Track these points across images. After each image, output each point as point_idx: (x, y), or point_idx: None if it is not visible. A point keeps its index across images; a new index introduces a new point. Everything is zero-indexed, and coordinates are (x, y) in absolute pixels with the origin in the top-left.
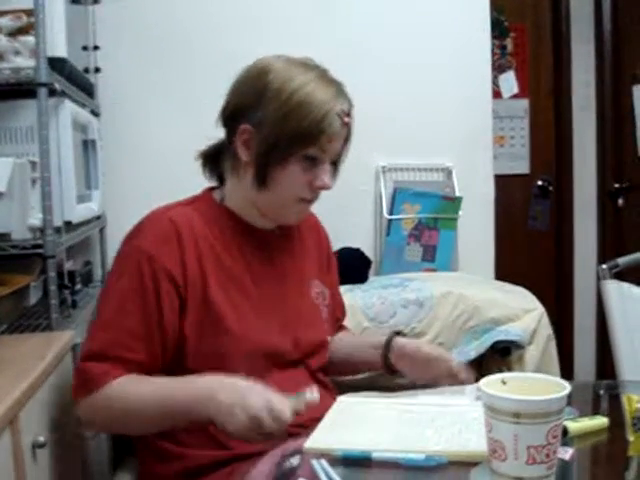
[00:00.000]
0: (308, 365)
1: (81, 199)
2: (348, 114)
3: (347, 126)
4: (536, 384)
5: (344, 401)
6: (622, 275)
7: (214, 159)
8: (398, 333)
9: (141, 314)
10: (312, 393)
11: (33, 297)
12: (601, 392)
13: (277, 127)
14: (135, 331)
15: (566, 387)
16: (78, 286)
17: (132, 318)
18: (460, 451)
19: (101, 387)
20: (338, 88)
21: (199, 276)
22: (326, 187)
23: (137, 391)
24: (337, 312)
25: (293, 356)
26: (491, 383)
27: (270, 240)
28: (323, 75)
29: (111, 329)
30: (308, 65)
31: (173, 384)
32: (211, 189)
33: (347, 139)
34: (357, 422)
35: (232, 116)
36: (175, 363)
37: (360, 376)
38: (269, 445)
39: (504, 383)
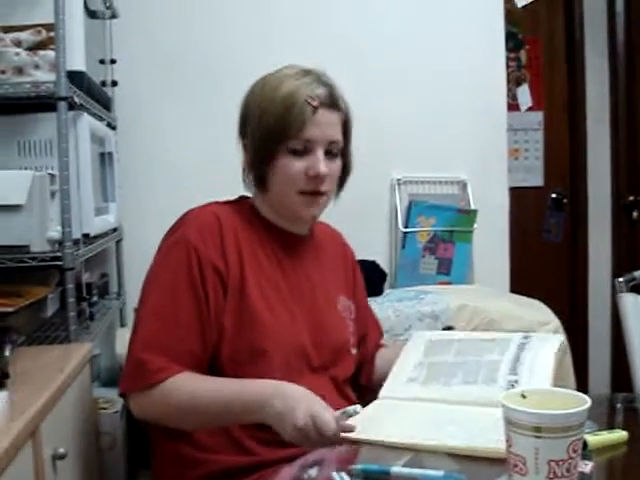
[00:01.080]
0: (333, 375)
1: (98, 211)
2: (322, 99)
3: (317, 109)
4: (556, 398)
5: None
6: (638, 288)
7: None
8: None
9: (193, 304)
10: (355, 410)
11: (50, 309)
12: (618, 405)
13: (256, 130)
14: (188, 321)
15: (587, 401)
16: (95, 298)
17: (184, 309)
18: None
19: (159, 383)
20: (312, 77)
21: (238, 269)
22: (320, 174)
23: (195, 389)
24: (369, 329)
25: (316, 361)
26: (511, 397)
27: (302, 248)
28: (299, 71)
29: (165, 319)
30: (292, 67)
31: (233, 385)
32: (244, 197)
33: (345, 125)
34: (392, 416)
35: (239, 133)
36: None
37: None
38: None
39: (524, 397)
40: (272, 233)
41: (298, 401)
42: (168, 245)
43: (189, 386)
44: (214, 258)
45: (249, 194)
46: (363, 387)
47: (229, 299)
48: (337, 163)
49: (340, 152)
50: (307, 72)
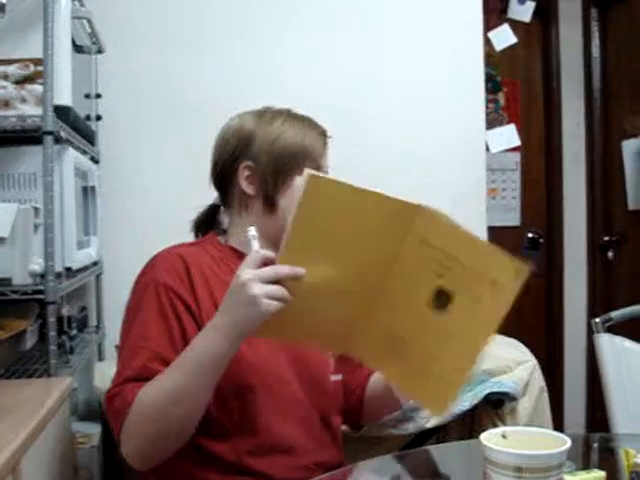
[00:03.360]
0: (318, 403)
1: (80, 245)
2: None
3: (326, 143)
4: (537, 438)
5: None
6: (614, 328)
7: (209, 220)
8: None
9: (166, 335)
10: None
11: (29, 341)
12: (594, 445)
13: (269, 150)
14: (161, 351)
15: (567, 441)
16: (74, 331)
17: (157, 340)
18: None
19: (131, 403)
20: (305, 116)
21: (210, 306)
22: None
23: (156, 384)
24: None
25: (299, 391)
26: (492, 437)
27: None
28: (293, 111)
29: (137, 355)
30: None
31: (178, 357)
32: (213, 235)
33: None
34: None
35: (229, 162)
36: None
37: None
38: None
39: (504, 437)
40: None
41: (227, 293)
42: (137, 290)
43: (149, 388)
44: (185, 296)
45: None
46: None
47: None
48: None
49: None
50: (304, 116)
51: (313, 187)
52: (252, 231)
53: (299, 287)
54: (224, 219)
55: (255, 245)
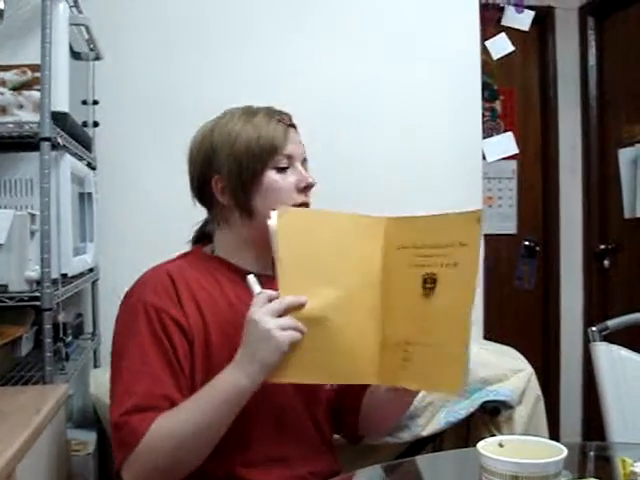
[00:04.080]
0: (313, 413)
1: (77, 251)
2: (287, 120)
3: (291, 126)
4: (533, 447)
5: None
6: (610, 337)
7: (203, 235)
8: None
9: (161, 357)
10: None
11: (25, 348)
12: (591, 453)
13: (232, 157)
14: (162, 376)
15: (563, 450)
16: (70, 338)
17: (153, 362)
18: None
19: (142, 437)
20: (266, 107)
21: (199, 319)
22: (311, 184)
23: (173, 422)
24: None
25: (295, 400)
26: (488, 445)
27: (266, 285)
28: (250, 107)
29: (138, 379)
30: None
31: (199, 391)
32: (200, 246)
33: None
34: None
35: (201, 178)
36: None
37: None
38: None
39: (501, 446)
40: (231, 275)
41: (244, 334)
42: (127, 311)
43: (166, 422)
44: (174, 314)
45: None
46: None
47: (196, 355)
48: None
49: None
50: (266, 107)
51: (284, 222)
52: (252, 278)
53: (310, 317)
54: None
55: (257, 289)
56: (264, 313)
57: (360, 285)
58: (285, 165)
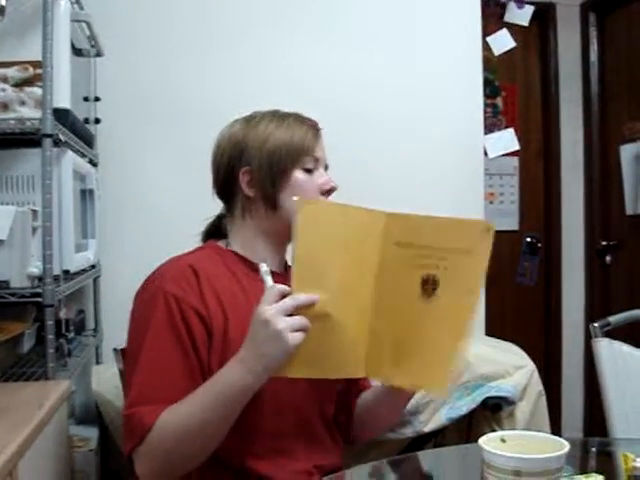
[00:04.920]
0: (321, 406)
1: (78, 248)
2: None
3: (319, 132)
4: (535, 442)
5: None
6: (612, 333)
7: (216, 230)
8: None
9: (180, 352)
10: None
11: (27, 344)
12: (593, 449)
13: (264, 152)
14: (176, 369)
15: (565, 445)
16: (72, 334)
17: (172, 358)
18: None
19: (149, 428)
20: (297, 113)
21: (220, 312)
22: (335, 188)
23: (181, 411)
24: None
25: (304, 394)
26: (490, 441)
27: (277, 281)
28: (278, 111)
29: (152, 372)
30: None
31: (205, 385)
32: (214, 240)
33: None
34: None
35: (229, 169)
36: None
37: None
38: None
39: (503, 441)
40: (247, 270)
41: (251, 329)
42: (145, 301)
43: (172, 416)
44: (196, 304)
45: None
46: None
47: (215, 343)
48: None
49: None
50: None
51: (306, 212)
52: (264, 267)
53: (315, 313)
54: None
55: (269, 281)
56: (276, 312)
57: (358, 280)
58: (312, 167)
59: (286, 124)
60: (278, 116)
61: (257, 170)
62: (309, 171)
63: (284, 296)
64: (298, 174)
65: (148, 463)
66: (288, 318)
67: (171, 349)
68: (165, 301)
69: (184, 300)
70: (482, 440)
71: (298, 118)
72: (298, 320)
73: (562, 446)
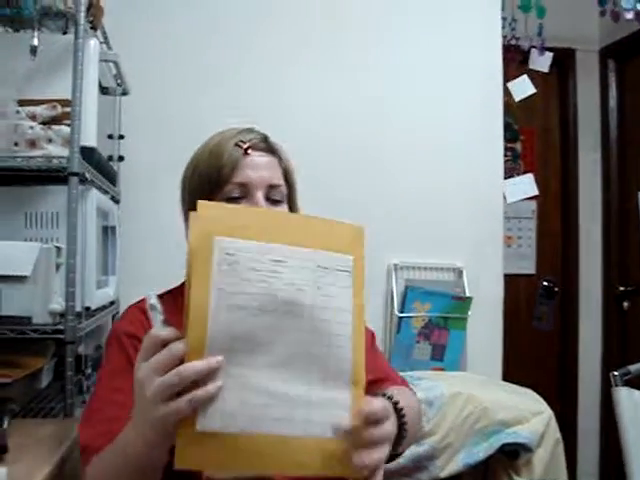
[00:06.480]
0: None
1: (99, 285)
2: (254, 143)
3: (248, 151)
4: None
5: None
6: (632, 381)
7: None
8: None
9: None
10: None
11: (45, 380)
12: None
13: (189, 187)
14: (126, 403)
15: None
16: (89, 370)
17: (121, 395)
18: None
19: (87, 463)
20: (244, 129)
21: None
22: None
23: (102, 460)
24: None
25: None
26: None
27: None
28: (233, 128)
29: (101, 413)
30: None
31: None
32: None
33: (287, 173)
34: None
35: (181, 205)
36: None
37: None
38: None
39: None
40: None
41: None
42: (105, 343)
43: (94, 468)
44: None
45: None
46: None
47: None
48: (284, 210)
49: (286, 200)
50: (235, 129)
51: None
52: (152, 299)
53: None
54: None
55: (157, 321)
56: (150, 371)
57: None
58: (237, 195)
59: (209, 148)
60: (212, 138)
61: (185, 207)
62: (234, 200)
63: (166, 344)
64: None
65: None
66: (164, 379)
67: (123, 383)
68: (117, 339)
69: (135, 336)
70: None
71: (226, 137)
72: (171, 381)
73: None
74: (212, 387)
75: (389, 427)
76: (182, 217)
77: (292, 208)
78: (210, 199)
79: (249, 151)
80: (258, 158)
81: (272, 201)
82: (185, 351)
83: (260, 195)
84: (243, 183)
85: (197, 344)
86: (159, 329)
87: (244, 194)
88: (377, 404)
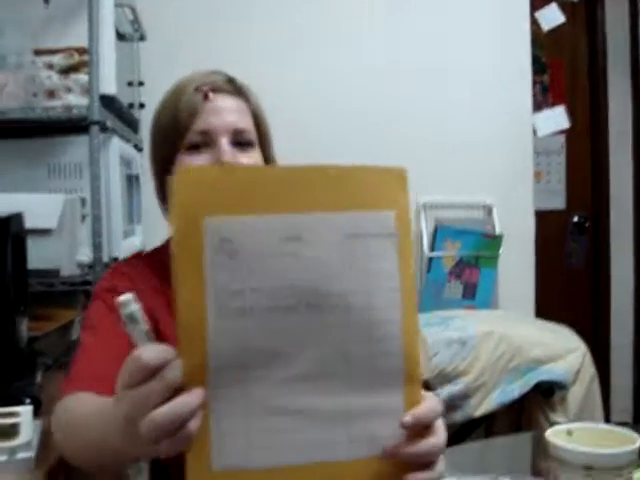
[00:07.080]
0: None
1: (125, 234)
2: (217, 86)
3: (208, 95)
4: (603, 435)
5: None
6: None
7: None
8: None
9: (111, 333)
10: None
11: (75, 332)
12: None
13: (151, 138)
14: (103, 348)
15: (637, 439)
16: None
17: (102, 339)
18: None
19: (67, 391)
20: (206, 71)
21: (149, 309)
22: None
23: (73, 404)
24: None
25: None
26: (557, 434)
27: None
28: (195, 72)
29: (85, 359)
30: None
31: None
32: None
33: (256, 116)
34: None
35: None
36: None
37: None
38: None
39: (570, 434)
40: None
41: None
42: (89, 305)
43: (71, 401)
44: (124, 287)
45: None
46: None
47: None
48: (254, 156)
49: (258, 144)
50: (207, 71)
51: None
52: (129, 305)
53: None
54: None
55: (139, 335)
56: (139, 404)
57: None
58: (199, 141)
59: (167, 99)
60: (173, 86)
61: (150, 158)
62: (194, 148)
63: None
64: (181, 158)
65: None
66: (156, 421)
67: (104, 330)
68: (99, 296)
69: (114, 289)
70: (549, 433)
71: (187, 81)
72: (164, 423)
73: (633, 439)
74: (193, 425)
75: (441, 435)
76: (155, 191)
77: (266, 158)
78: (174, 154)
79: (210, 95)
80: (221, 102)
81: (239, 146)
82: (181, 378)
83: (225, 141)
84: (204, 130)
85: (195, 365)
86: (144, 348)
87: (208, 141)
88: (424, 407)
